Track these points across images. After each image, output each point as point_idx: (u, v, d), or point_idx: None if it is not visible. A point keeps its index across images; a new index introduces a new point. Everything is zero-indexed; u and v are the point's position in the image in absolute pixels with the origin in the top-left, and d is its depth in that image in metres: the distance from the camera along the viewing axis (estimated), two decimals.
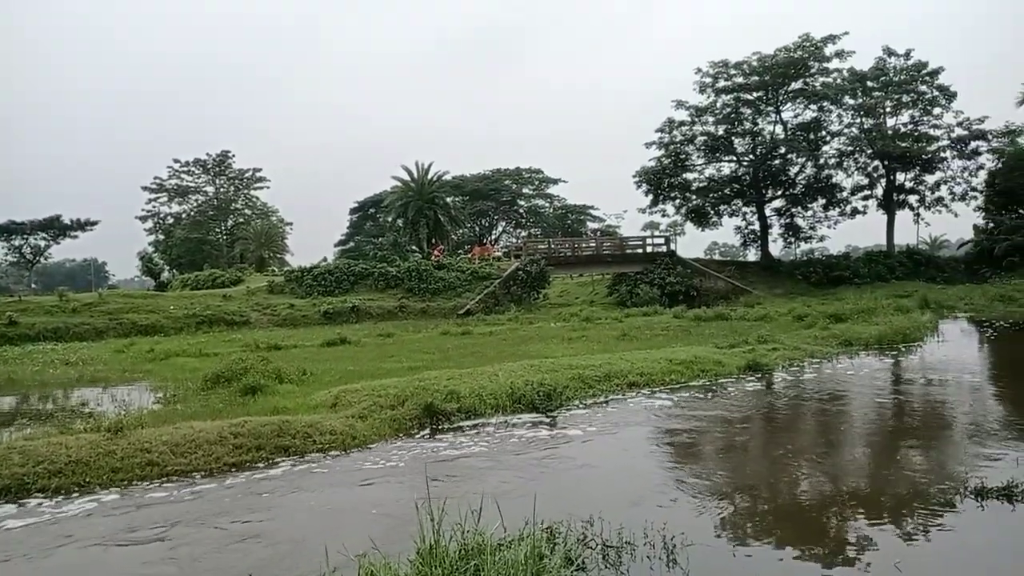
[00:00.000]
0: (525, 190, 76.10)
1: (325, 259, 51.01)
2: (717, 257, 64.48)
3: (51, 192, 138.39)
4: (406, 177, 52.81)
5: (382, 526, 5.98)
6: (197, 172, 74.00)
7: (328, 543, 5.04)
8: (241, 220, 75.10)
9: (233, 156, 74.10)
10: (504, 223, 76.81)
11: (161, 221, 73.82)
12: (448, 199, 57.20)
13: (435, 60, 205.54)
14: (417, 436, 9.33)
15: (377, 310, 31.91)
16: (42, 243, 59.07)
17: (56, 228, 58.30)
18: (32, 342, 24.82)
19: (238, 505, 6.79)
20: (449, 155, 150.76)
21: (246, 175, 75.37)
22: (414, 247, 51.63)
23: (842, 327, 19.91)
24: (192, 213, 74.20)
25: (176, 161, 72.94)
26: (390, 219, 57.15)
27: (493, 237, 73.20)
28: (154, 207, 73.72)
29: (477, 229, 73.26)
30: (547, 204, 77.34)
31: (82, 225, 59.40)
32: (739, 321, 23.92)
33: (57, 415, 11.42)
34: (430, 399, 10.02)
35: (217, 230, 74.75)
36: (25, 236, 57.80)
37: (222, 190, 75.49)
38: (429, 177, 52.68)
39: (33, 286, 69.18)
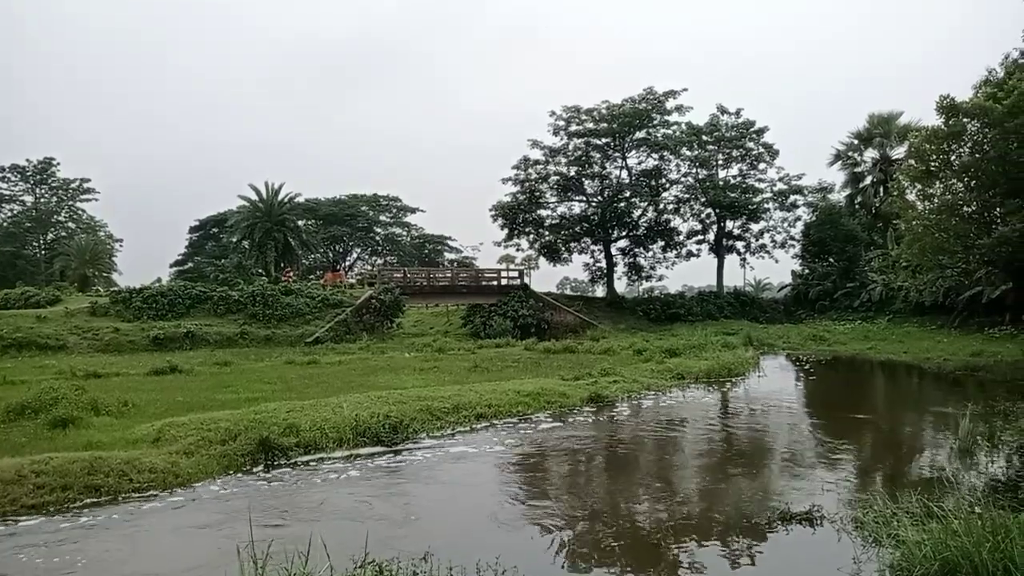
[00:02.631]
0: (382, 217, 75.12)
1: (160, 280, 47.18)
2: (568, 292, 66.79)
3: None
4: (254, 197, 50.39)
5: (200, 571, 5.53)
6: (14, 179, 66.48)
7: None
8: (63, 234, 68.06)
9: (57, 164, 67.36)
10: (359, 250, 75.24)
11: None
12: (300, 222, 55.18)
13: (289, 78, 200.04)
14: (250, 473, 8.79)
15: (215, 336, 29.91)
16: None
17: None
18: None
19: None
20: (302, 177, 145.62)
21: (72, 185, 68.64)
22: (260, 270, 49.17)
23: (676, 361, 21.28)
24: (5, 224, 66.36)
25: None
26: (234, 240, 54.16)
27: (348, 263, 71.46)
28: None
29: (331, 254, 71.21)
30: (404, 233, 76.80)
31: None
32: (585, 354, 24.88)
33: None
34: (266, 433, 9.49)
35: (35, 244, 67.29)
36: None
37: (43, 200, 68.22)
38: (280, 198, 50.66)
39: None
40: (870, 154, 47.71)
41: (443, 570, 5.17)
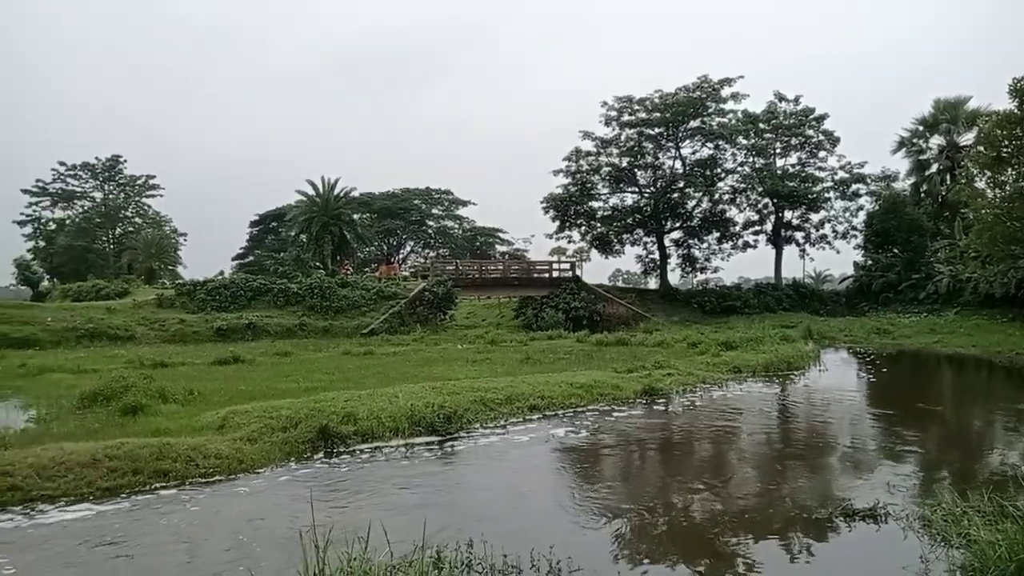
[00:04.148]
0: (435, 210, 75.94)
1: (222, 273, 48.79)
2: (620, 284, 66.06)
3: None
4: (311, 192, 51.56)
5: (261, 555, 5.72)
6: (85, 176, 69.69)
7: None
8: (131, 229, 71.05)
9: (125, 161, 70.35)
10: (413, 243, 76.25)
11: (42, 227, 68.80)
12: (355, 216, 56.19)
13: (344, 74, 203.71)
14: (310, 460, 9.03)
15: (275, 328, 30.76)
16: None
17: None
18: None
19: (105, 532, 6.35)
20: (357, 171, 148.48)
21: (138, 182, 71.57)
22: (318, 263, 50.30)
23: (732, 354, 20.84)
24: (77, 219, 69.62)
25: (62, 164, 68.52)
26: (293, 234, 55.53)
27: (401, 256, 72.46)
28: (35, 211, 68.78)
29: (385, 248, 72.34)
30: (456, 225, 77.42)
31: None
32: (638, 347, 24.62)
33: None
34: (325, 421, 9.72)
35: (104, 238, 70.39)
36: None
37: (111, 196, 71.30)
38: (335, 193, 51.65)
39: None
40: (936, 141, 45.67)
41: (499, 557, 5.22)
